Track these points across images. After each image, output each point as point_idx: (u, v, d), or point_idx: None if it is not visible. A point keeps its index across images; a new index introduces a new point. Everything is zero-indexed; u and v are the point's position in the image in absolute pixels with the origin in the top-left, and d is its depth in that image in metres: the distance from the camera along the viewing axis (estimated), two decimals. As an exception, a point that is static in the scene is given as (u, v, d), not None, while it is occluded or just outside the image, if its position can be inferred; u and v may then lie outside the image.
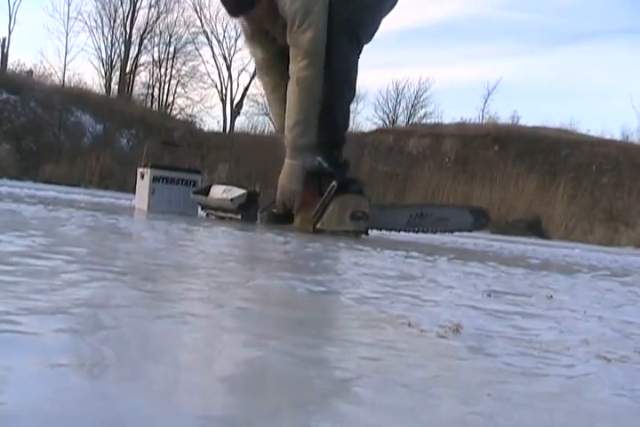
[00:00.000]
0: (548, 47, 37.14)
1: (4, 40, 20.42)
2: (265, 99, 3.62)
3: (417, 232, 3.49)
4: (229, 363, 0.53)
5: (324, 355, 0.59)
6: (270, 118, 3.94)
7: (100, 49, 22.32)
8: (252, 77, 22.50)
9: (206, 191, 3.45)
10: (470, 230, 3.75)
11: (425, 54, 39.04)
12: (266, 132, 20.04)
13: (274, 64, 3.44)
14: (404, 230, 3.45)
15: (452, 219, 3.54)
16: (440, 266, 1.80)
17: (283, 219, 3.24)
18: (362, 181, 3.43)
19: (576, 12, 35.88)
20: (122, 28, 22.27)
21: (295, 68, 3.12)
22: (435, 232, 3.57)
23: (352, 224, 3.01)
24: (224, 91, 23.47)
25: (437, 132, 20.49)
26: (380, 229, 3.43)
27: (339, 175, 3.09)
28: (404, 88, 25.17)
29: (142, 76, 23.27)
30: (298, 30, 3.08)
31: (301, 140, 3.13)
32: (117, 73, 22.45)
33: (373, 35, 3.41)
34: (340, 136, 3.38)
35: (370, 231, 3.25)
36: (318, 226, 3.00)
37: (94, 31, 22.16)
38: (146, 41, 22.64)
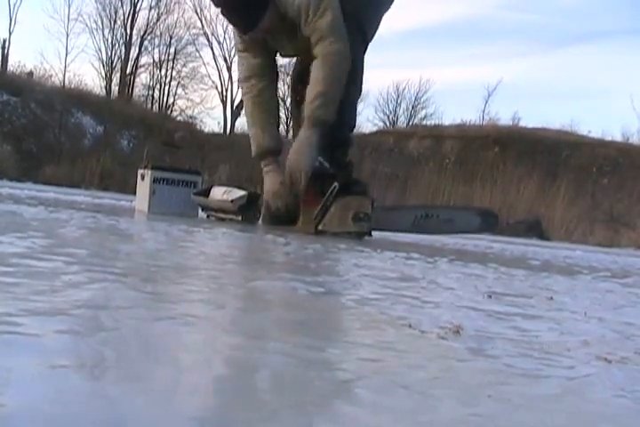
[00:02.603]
0: (548, 48, 37.19)
1: (4, 41, 20.45)
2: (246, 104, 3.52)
3: (422, 233, 3.45)
4: (230, 364, 0.53)
5: (325, 356, 0.59)
6: (247, 122, 3.75)
7: (100, 50, 22.35)
8: (253, 79, 22.52)
9: (207, 193, 3.45)
10: (478, 232, 3.67)
11: (425, 55, 39.08)
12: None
13: (268, 68, 3.38)
14: (409, 232, 3.41)
15: (458, 220, 3.47)
16: (441, 267, 1.80)
17: (284, 220, 3.23)
18: (365, 182, 3.38)
19: (576, 13, 35.93)
20: (122, 30, 22.30)
21: (320, 47, 3.01)
22: (440, 234, 3.52)
23: (354, 226, 2.98)
24: (224, 92, 23.49)
25: (438, 134, 20.50)
26: (384, 231, 3.39)
27: (341, 176, 3.05)
28: (404, 89, 25.21)
29: (143, 78, 23.30)
30: (314, 17, 2.99)
31: (320, 112, 3.00)
32: (118, 74, 22.47)
33: (376, 31, 3.37)
34: (345, 135, 3.32)
35: (373, 233, 3.23)
36: (320, 227, 2.99)
37: (94, 32, 22.20)
38: (146, 42, 22.67)
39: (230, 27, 3.62)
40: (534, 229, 14.49)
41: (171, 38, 22.65)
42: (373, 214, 3.05)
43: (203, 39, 23.31)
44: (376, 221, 3.10)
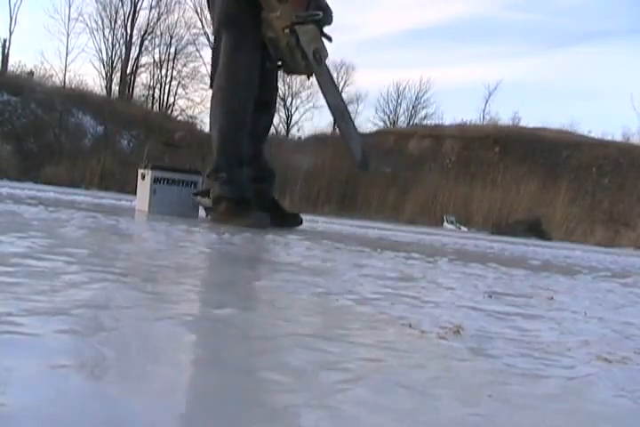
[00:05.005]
0: (549, 48, 37.23)
1: (4, 41, 20.49)
2: None
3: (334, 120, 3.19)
4: (229, 364, 0.53)
5: (325, 356, 0.59)
6: None
7: (100, 50, 22.39)
8: (253, 78, 22.54)
9: (207, 193, 3.45)
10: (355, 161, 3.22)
11: (426, 55, 39.14)
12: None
13: None
14: (329, 107, 3.12)
15: (355, 139, 3.21)
16: (441, 267, 1.80)
17: (239, 213, 3.05)
18: (326, 47, 3.11)
19: (577, 13, 35.97)
20: (122, 30, 22.33)
21: None
22: (339, 131, 3.25)
23: (313, 60, 2.97)
24: (225, 92, 23.46)
25: (438, 134, 20.53)
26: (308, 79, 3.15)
27: (329, 13, 3.03)
28: (404, 89, 25.27)
29: (143, 78, 23.33)
30: None
31: None
32: (118, 74, 22.50)
33: None
34: None
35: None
36: (287, 30, 2.94)
37: (95, 32, 22.26)
38: (146, 42, 22.70)
39: None
40: (534, 229, 14.50)
41: (171, 38, 22.69)
42: (321, 64, 3.01)
43: (203, 39, 23.35)
44: (319, 74, 3.04)
